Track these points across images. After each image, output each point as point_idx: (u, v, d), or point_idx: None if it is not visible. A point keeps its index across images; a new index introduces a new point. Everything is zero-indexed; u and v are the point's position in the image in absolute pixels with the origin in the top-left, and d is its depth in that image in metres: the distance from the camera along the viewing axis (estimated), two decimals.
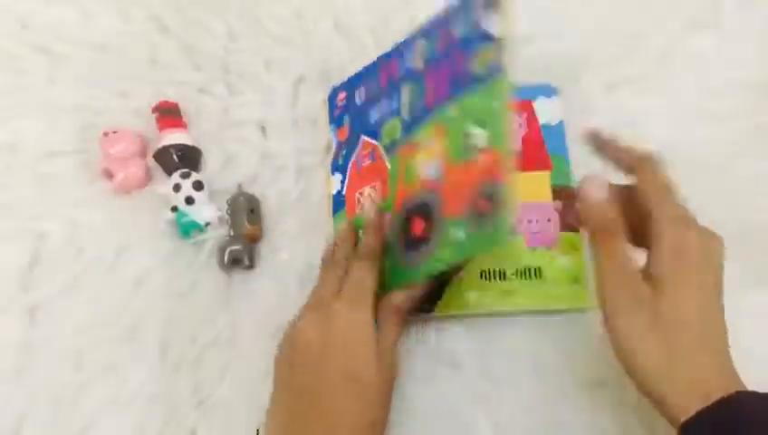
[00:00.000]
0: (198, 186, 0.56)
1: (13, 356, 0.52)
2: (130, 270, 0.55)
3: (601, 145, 0.48)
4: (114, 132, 0.56)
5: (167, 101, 0.58)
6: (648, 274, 0.43)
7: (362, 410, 0.44)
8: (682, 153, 0.56)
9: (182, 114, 0.59)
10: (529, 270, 0.55)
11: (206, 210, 0.56)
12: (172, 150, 0.56)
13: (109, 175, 0.56)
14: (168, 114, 0.57)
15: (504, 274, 0.55)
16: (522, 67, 0.59)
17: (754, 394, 0.40)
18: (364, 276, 0.49)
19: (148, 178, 0.57)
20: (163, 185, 0.56)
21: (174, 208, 0.55)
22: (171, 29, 0.61)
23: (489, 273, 0.55)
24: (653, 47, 0.62)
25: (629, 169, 0.46)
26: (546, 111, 0.60)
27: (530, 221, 0.57)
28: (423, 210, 0.49)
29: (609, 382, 0.53)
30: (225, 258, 0.55)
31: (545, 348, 0.54)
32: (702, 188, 0.53)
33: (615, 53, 0.63)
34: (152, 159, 0.57)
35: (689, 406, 0.39)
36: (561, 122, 0.59)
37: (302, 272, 0.56)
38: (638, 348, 0.42)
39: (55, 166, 0.57)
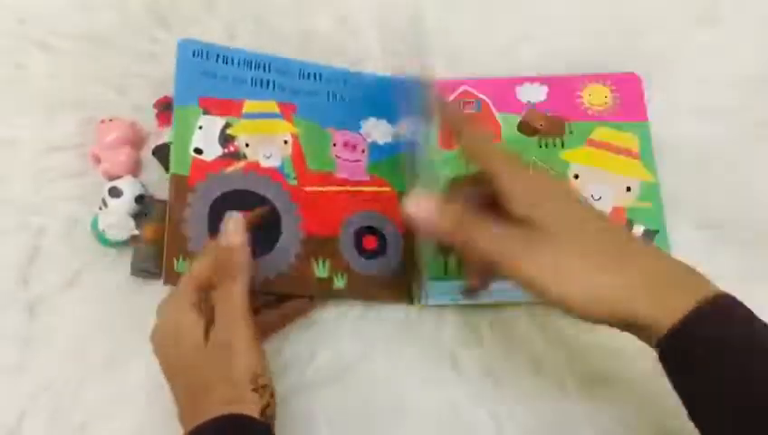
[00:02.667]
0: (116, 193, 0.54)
1: (13, 351, 0.52)
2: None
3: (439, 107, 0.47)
4: (111, 120, 0.56)
5: (168, 97, 0.57)
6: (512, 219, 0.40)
7: (211, 379, 0.43)
8: (682, 150, 0.57)
9: None
10: None
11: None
12: (168, 149, 0.54)
13: (97, 160, 0.56)
14: (169, 110, 0.56)
15: None
16: (522, 65, 0.61)
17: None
18: (197, 268, 0.46)
19: (136, 168, 0.57)
20: None
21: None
22: (171, 23, 0.61)
23: None
24: (653, 44, 0.61)
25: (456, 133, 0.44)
26: None
27: None
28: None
29: (611, 379, 0.52)
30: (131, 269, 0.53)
31: (545, 345, 0.53)
32: (701, 185, 0.55)
33: (615, 50, 0.61)
34: (147, 152, 0.57)
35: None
36: None
37: None
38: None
39: (54, 161, 0.57)
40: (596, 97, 0.58)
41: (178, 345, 0.43)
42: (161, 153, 0.56)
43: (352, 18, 0.62)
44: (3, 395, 0.51)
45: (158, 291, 0.51)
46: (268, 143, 0.54)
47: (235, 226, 0.46)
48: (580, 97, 0.58)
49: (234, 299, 0.44)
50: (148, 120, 0.58)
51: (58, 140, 0.58)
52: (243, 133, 0.54)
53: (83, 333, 0.49)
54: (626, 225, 0.53)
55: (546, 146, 0.56)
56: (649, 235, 0.53)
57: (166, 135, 0.56)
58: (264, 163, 0.54)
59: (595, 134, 0.57)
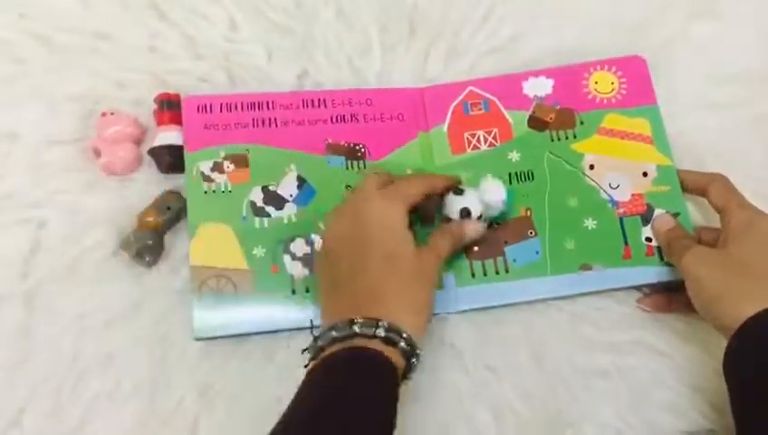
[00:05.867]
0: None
1: (12, 345, 0.52)
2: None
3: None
4: (112, 114, 0.56)
5: (168, 94, 0.57)
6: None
7: (400, 283, 0.46)
8: (682, 143, 0.57)
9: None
10: None
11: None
12: (164, 152, 0.56)
13: (97, 153, 0.56)
14: (168, 108, 0.56)
15: None
16: (523, 60, 0.60)
17: None
18: (410, 183, 0.51)
19: (136, 164, 0.57)
20: None
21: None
22: (171, 18, 0.60)
23: None
24: (653, 38, 0.60)
25: (703, 188, 0.52)
26: None
27: None
28: None
29: (610, 372, 0.52)
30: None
31: (545, 337, 0.53)
32: None
33: (615, 44, 0.61)
34: (147, 148, 0.57)
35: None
36: None
37: None
38: (705, 276, 0.47)
39: (55, 154, 0.57)
40: (602, 84, 0.57)
41: (384, 242, 0.47)
42: (156, 155, 0.56)
43: (353, 11, 0.62)
44: (2, 389, 0.51)
45: (157, 287, 0.53)
46: None
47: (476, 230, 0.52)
48: (587, 86, 0.57)
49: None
50: (149, 115, 0.57)
51: (58, 135, 0.57)
52: None
53: (82, 327, 0.49)
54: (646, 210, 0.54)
55: (558, 139, 0.56)
56: None
57: (160, 136, 0.56)
58: None
59: (606, 122, 0.56)
